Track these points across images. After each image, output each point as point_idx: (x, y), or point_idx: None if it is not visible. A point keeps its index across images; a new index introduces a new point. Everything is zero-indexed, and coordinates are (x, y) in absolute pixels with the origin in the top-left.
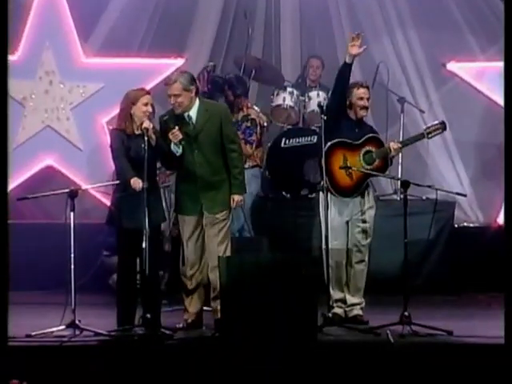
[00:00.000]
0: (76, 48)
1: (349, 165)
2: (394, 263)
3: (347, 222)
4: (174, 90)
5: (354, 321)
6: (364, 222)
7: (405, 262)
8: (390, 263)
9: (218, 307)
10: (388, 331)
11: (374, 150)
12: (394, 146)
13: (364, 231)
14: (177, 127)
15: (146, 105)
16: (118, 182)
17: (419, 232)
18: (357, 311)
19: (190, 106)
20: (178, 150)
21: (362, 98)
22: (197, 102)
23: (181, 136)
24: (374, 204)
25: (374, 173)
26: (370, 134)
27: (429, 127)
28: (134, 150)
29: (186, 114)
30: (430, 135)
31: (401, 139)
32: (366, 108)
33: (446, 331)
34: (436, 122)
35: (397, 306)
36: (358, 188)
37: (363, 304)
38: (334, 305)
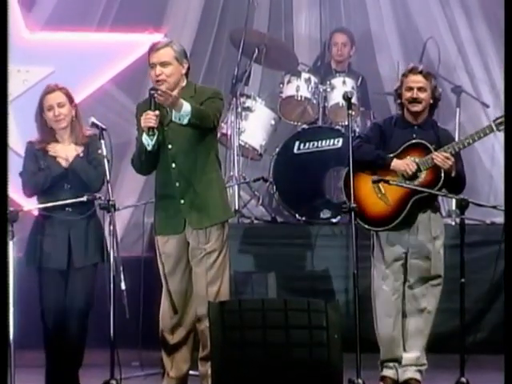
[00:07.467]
0: (16, 20)
1: (381, 188)
2: (447, 312)
3: (402, 258)
4: (163, 56)
5: None
6: (426, 258)
7: (461, 311)
8: (442, 312)
9: (209, 371)
10: None
11: (418, 158)
12: (435, 155)
13: (426, 270)
14: (157, 111)
15: (49, 109)
16: (75, 200)
17: (481, 268)
18: (411, 373)
19: (176, 89)
20: (149, 143)
21: (410, 89)
22: (184, 84)
23: (153, 123)
24: (441, 233)
25: (420, 188)
26: (415, 140)
27: (499, 117)
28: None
29: None
30: (501, 127)
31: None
32: (416, 101)
33: None
34: None
35: (451, 368)
36: (397, 214)
37: (424, 366)
38: (384, 365)
